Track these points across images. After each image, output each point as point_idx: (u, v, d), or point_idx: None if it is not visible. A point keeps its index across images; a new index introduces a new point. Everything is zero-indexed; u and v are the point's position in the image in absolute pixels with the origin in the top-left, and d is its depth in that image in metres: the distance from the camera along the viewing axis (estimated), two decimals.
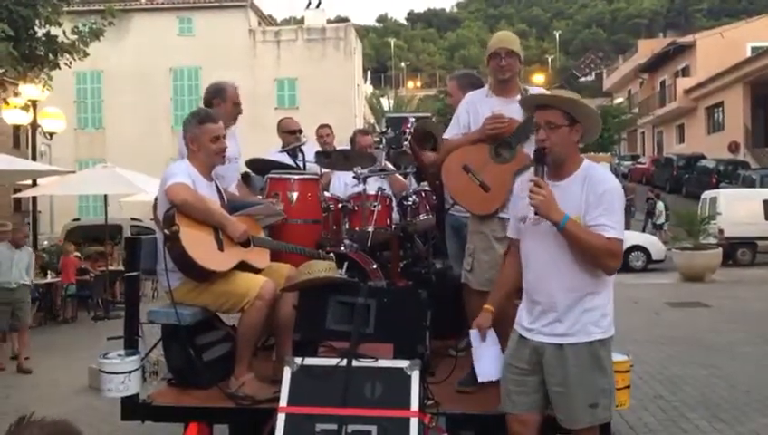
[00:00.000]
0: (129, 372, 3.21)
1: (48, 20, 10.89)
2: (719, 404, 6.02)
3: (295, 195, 4.27)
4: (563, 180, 2.76)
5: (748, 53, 31.89)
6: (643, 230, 22.74)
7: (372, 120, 35.03)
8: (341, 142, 6.22)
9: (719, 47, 33.54)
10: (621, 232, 2.72)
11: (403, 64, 69.76)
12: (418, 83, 67.89)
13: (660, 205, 23.26)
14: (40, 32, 11.12)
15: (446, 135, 3.88)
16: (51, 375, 8.09)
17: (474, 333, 2.95)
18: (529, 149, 3.60)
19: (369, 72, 51.89)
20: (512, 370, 2.81)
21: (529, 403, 2.77)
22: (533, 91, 3.80)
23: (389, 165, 5.27)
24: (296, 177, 4.40)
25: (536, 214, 2.65)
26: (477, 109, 3.74)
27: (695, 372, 7.13)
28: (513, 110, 3.63)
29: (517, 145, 3.60)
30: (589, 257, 2.68)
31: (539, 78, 45.75)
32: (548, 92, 2.97)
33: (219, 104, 4.14)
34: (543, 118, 2.73)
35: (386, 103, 39.91)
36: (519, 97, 3.74)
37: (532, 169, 3.56)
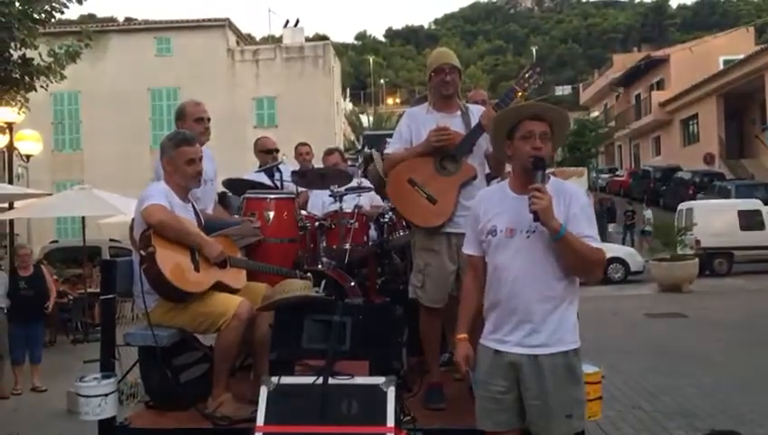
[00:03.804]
0: (106, 395, 3.20)
1: (24, 42, 10.80)
2: (696, 414, 6.09)
3: (272, 214, 4.29)
4: None
5: (720, 66, 32.42)
6: (623, 242, 23.01)
7: (352, 138, 35.09)
8: (320, 161, 6.26)
9: (692, 61, 34.16)
10: (601, 243, 2.81)
11: (382, 81, 69.95)
12: (398, 100, 68.15)
13: (649, 213, 23.79)
14: (15, 54, 11.03)
15: (389, 150, 3.90)
16: (30, 399, 8.00)
17: (471, 370, 2.93)
18: (473, 161, 3.67)
19: (348, 90, 52.04)
20: (488, 388, 2.79)
21: (509, 420, 2.77)
22: (474, 108, 3.85)
23: (366, 182, 5.31)
24: (272, 196, 4.43)
25: (536, 220, 2.65)
26: (419, 124, 3.77)
27: (672, 382, 7.21)
28: (454, 124, 3.68)
29: (461, 158, 3.64)
30: (580, 266, 2.72)
31: None
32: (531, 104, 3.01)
33: (182, 126, 4.13)
34: (539, 128, 2.77)
35: (365, 120, 39.96)
36: (459, 112, 3.78)
37: (475, 182, 3.64)
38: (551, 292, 2.75)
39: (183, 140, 3.67)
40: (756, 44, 33.46)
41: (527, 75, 3.75)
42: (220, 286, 3.53)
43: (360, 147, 7.06)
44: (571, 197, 2.79)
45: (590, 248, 2.69)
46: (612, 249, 18.24)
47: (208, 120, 4.33)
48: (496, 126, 2.98)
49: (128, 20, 32.41)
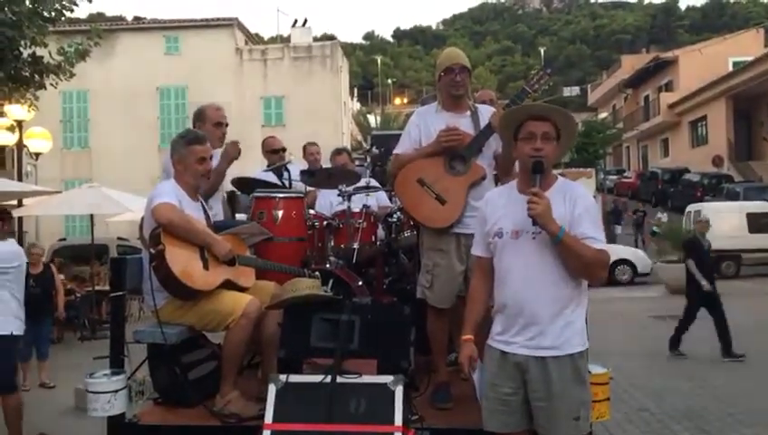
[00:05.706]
0: (116, 392, 3.22)
1: (34, 41, 10.86)
2: (703, 416, 6.08)
3: (280, 213, 4.30)
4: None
5: (730, 68, 32.31)
6: (635, 244, 22.97)
7: (359, 138, 35.09)
8: (329, 160, 6.27)
9: (701, 62, 33.97)
10: (605, 244, 2.78)
11: (389, 81, 69.93)
12: (405, 100, 68.14)
13: (665, 216, 23.84)
14: (25, 52, 11.09)
15: (397, 150, 3.89)
16: (37, 396, 8.03)
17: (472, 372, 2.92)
18: (482, 162, 3.67)
19: (355, 90, 51.96)
20: (496, 390, 2.78)
21: (517, 422, 2.76)
22: (483, 108, 3.84)
23: (375, 182, 5.32)
24: (281, 195, 4.44)
25: (534, 224, 2.65)
26: (428, 124, 3.77)
27: (679, 384, 7.20)
28: (463, 124, 3.68)
29: (471, 158, 3.65)
30: (581, 268, 2.71)
31: None
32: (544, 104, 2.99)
33: (200, 127, 4.19)
34: (541, 129, 2.75)
35: (373, 120, 39.93)
36: (468, 112, 3.78)
37: (484, 182, 3.64)
38: (557, 294, 2.73)
39: (194, 138, 3.69)
40: (766, 46, 33.33)
41: (537, 77, 3.75)
42: (229, 285, 3.54)
43: (367, 147, 7.06)
44: (577, 197, 2.78)
45: (591, 250, 2.67)
46: (619, 251, 18.20)
47: (226, 125, 4.36)
48: (501, 127, 2.98)
49: (136, 19, 32.57)
